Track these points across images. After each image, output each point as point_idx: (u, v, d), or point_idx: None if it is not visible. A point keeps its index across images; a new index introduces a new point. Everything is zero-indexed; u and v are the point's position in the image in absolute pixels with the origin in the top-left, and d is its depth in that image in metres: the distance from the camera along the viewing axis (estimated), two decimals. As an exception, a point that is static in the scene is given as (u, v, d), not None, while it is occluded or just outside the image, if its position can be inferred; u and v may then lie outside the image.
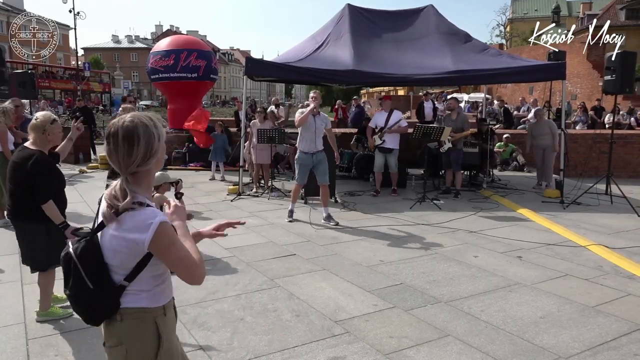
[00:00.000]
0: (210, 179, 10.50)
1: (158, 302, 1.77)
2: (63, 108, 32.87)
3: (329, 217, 6.77)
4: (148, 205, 1.67)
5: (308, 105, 7.28)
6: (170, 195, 5.23)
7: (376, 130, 8.57)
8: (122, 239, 1.64)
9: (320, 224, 6.75)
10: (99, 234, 1.72)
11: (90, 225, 1.84)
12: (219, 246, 5.77)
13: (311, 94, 6.96)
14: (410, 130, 8.85)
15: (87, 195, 8.27)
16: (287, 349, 3.37)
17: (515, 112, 17.84)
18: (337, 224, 6.64)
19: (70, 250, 1.70)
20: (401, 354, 3.34)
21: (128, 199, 1.66)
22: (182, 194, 5.26)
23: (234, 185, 9.18)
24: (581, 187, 8.45)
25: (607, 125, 14.71)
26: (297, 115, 6.84)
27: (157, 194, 5.14)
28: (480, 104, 18.51)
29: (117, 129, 1.66)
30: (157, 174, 5.33)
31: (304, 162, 6.84)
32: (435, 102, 13.89)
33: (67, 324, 3.75)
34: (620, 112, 17.62)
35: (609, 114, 16.49)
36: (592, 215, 7.44)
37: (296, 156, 6.98)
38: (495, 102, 18.65)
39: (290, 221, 6.85)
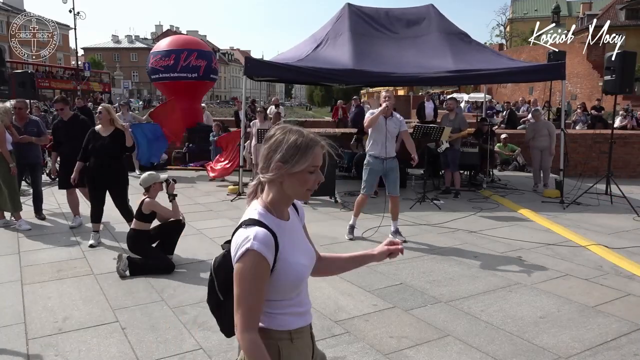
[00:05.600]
0: (210, 179, 10.50)
1: (282, 326, 1.61)
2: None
3: (396, 232, 6.13)
4: (260, 224, 1.53)
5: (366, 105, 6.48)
6: (163, 196, 5.14)
7: None
8: (233, 253, 1.57)
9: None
10: None
11: None
12: (219, 246, 5.75)
13: (383, 94, 6.15)
14: (410, 131, 8.82)
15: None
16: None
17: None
18: (405, 240, 5.98)
19: (213, 260, 1.71)
20: (401, 354, 3.33)
21: (248, 192, 1.66)
22: (175, 195, 5.17)
23: (234, 185, 9.19)
24: (581, 187, 8.46)
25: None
26: (367, 116, 6.15)
27: (147, 199, 5.00)
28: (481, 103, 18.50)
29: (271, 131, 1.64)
30: (145, 174, 5.19)
31: (374, 168, 6.10)
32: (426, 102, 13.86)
33: (67, 324, 3.76)
34: (620, 112, 17.63)
35: (619, 118, 16.51)
36: (592, 215, 7.44)
37: (365, 160, 6.21)
38: (494, 101, 18.70)
39: (350, 239, 6.14)
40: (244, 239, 1.49)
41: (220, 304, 1.69)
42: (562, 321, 3.85)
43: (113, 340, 3.52)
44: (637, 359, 3.31)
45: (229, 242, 1.68)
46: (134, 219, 5.11)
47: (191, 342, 3.49)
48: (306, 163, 1.55)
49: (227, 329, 1.73)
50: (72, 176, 5.77)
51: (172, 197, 5.09)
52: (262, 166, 1.60)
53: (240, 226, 1.57)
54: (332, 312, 3.97)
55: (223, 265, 1.66)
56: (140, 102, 47.35)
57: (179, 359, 3.27)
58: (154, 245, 5.13)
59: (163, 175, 5.23)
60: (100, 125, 5.76)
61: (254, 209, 1.59)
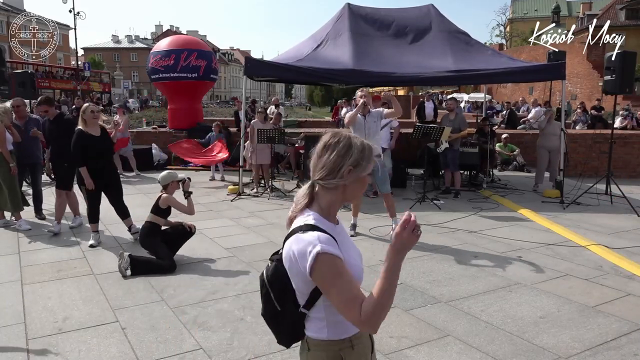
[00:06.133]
0: (210, 179, 10.51)
1: (342, 334, 1.61)
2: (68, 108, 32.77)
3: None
4: (317, 229, 1.52)
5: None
6: (179, 194, 5.33)
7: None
8: (290, 259, 1.54)
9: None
10: None
11: None
12: (219, 246, 5.77)
13: (358, 93, 6.25)
14: (409, 130, 8.83)
15: (87, 195, 8.27)
16: (287, 349, 3.36)
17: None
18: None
19: (263, 272, 1.69)
20: (401, 354, 3.33)
21: (300, 206, 1.61)
22: (190, 192, 5.49)
23: (234, 185, 9.19)
24: (581, 187, 8.46)
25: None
26: (348, 116, 6.27)
27: (165, 195, 5.24)
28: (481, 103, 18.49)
29: (330, 138, 1.63)
30: (164, 173, 5.54)
31: None
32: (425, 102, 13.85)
33: (67, 324, 3.76)
34: (620, 112, 17.61)
35: (619, 119, 16.48)
36: (592, 215, 7.44)
37: None
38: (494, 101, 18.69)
39: (352, 235, 6.12)
40: (308, 245, 1.47)
41: (278, 315, 1.67)
42: (562, 321, 3.85)
43: (113, 340, 3.52)
44: (637, 359, 3.31)
45: (276, 253, 1.69)
46: (150, 213, 5.26)
47: (191, 342, 3.49)
48: (370, 166, 1.61)
49: (286, 340, 1.72)
50: (87, 184, 5.63)
51: (187, 194, 5.38)
52: (326, 173, 1.57)
53: (294, 232, 1.55)
54: (332, 312, 3.97)
55: (276, 275, 1.64)
56: (137, 104, 46.73)
57: (179, 359, 3.28)
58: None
59: (181, 175, 5.45)
60: (85, 126, 5.62)
61: (307, 215, 1.58)
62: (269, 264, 1.69)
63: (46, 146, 6.85)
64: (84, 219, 6.52)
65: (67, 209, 6.59)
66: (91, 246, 5.69)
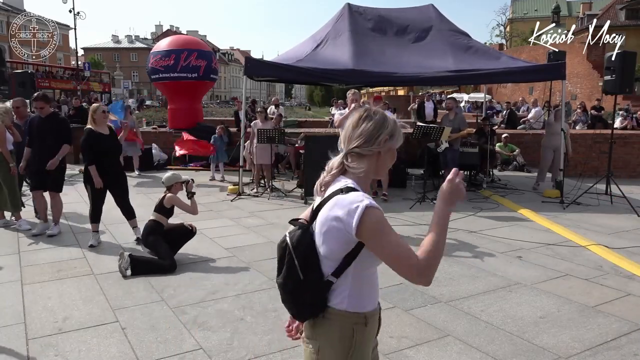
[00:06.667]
0: (210, 179, 10.51)
1: (361, 308, 1.64)
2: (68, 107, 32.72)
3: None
4: (358, 191, 1.58)
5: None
6: (182, 194, 5.36)
7: None
8: (330, 221, 1.56)
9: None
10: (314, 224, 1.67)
11: None
12: (219, 246, 5.77)
13: (349, 96, 6.33)
14: (410, 130, 8.83)
15: (87, 195, 8.24)
16: (287, 349, 3.36)
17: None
18: None
19: (287, 238, 1.67)
20: (401, 354, 3.33)
21: (334, 171, 1.66)
22: (193, 192, 5.57)
23: (234, 185, 9.19)
24: (581, 187, 8.46)
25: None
26: (337, 117, 6.36)
27: (169, 194, 5.28)
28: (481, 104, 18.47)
29: (364, 111, 1.71)
30: (169, 174, 5.64)
31: None
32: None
33: (67, 324, 3.76)
34: (620, 113, 17.60)
35: (619, 119, 16.48)
36: (592, 215, 7.44)
37: None
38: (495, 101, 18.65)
39: None
40: (354, 203, 1.53)
41: (300, 284, 1.63)
42: (562, 321, 3.85)
43: (113, 340, 3.52)
44: (637, 359, 3.31)
45: (296, 220, 1.73)
46: (154, 212, 5.31)
47: (191, 342, 3.49)
48: (401, 140, 1.70)
49: (305, 313, 1.69)
50: (96, 182, 5.59)
51: (191, 194, 5.47)
52: (363, 141, 1.64)
53: (333, 195, 1.59)
54: (332, 312, 3.97)
55: (302, 241, 1.64)
56: (136, 103, 46.28)
57: (179, 359, 3.28)
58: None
59: (184, 176, 5.55)
60: (95, 125, 5.64)
61: (344, 180, 1.64)
62: (291, 232, 1.68)
63: (28, 144, 6.21)
64: (84, 219, 6.50)
65: (64, 209, 6.57)
66: (91, 246, 5.69)
